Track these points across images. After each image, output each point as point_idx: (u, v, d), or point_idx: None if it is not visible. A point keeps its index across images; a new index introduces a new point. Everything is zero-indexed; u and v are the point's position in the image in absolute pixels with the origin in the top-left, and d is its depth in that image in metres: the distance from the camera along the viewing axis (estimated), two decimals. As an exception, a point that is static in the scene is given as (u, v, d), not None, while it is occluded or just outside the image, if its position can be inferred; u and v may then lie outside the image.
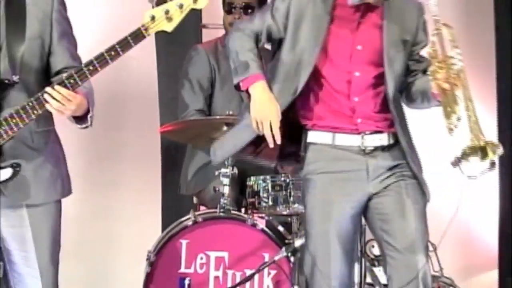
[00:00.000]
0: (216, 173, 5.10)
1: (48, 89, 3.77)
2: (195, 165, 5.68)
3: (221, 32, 5.87)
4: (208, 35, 6.24)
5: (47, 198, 4.05)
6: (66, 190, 4.13)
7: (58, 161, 4.11)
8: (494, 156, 3.71)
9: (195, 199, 5.54)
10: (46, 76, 4.01)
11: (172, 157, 6.22)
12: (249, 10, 5.65)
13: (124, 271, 6.00)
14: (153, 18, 3.79)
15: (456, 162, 3.73)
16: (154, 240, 5.07)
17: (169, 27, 3.81)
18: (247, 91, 4.04)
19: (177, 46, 6.15)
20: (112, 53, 3.78)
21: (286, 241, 5.00)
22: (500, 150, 3.76)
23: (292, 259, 4.89)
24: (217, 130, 5.06)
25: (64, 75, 3.85)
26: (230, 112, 5.19)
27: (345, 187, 4.06)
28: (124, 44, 3.78)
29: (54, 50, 4.04)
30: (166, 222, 5.78)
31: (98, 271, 6.38)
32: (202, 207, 5.38)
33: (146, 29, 3.78)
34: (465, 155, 3.80)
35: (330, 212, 4.03)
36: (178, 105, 5.70)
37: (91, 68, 3.79)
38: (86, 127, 4.02)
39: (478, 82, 6.27)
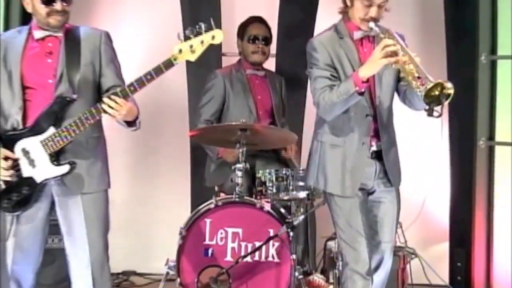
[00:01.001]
0: (233, 168, 5.20)
1: (105, 99, 3.94)
2: (218, 162, 5.75)
3: (236, 58, 6.07)
4: (226, 61, 6.38)
5: (98, 188, 4.21)
6: (109, 182, 4.31)
7: (106, 159, 4.29)
8: (451, 89, 3.79)
9: (216, 188, 5.66)
10: (98, 93, 4.18)
11: (199, 156, 6.24)
12: (264, 42, 5.83)
13: (161, 243, 6.08)
14: (180, 50, 3.93)
15: (430, 112, 3.80)
16: (185, 219, 5.17)
17: (192, 57, 3.96)
18: (364, 82, 4.00)
19: (203, 69, 6.13)
20: (148, 77, 3.94)
21: (287, 220, 5.07)
22: (450, 84, 3.80)
23: (291, 234, 4.99)
24: (232, 134, 5.17)
25: (111, 91, 4.03)
26: (243, 121, 5.24)
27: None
28: (158, 70, 3.94)
29: (103, 72, 4.20)
30: (194, 205, 5.93)
31: (141, 243, 6.55)
32: (221, 194, 5.51)
33: (175, 59, 3.93)
34: (432, 103, 3.83)
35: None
36: (196, 113, 5.90)
37: (132, 88, 3.96)
38: (136, 129, 4.21)
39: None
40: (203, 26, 3.92)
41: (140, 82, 3.94)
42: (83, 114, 3.98)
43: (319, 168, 4.24)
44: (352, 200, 4.16)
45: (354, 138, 4.15)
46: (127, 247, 6.32)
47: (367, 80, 3.97)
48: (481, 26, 5.88)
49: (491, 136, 6.01)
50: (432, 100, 3.79)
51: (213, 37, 3.94)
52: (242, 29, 5.87)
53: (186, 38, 3.94)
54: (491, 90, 5.96)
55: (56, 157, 4.05)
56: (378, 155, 4.18)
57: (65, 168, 4.06)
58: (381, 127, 4.17)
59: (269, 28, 5.90)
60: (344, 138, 4.16)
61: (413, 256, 5.86)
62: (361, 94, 3.98)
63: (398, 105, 4.26)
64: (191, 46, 3.91)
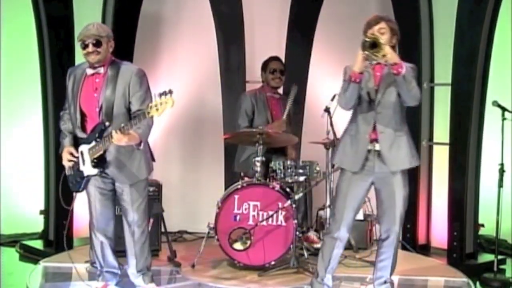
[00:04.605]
0: (253, 160, 5.28)
1: (112, 132, 3.99)
2: (243, 156, 5.80)
3: (258, 85, 6.06)
4: (248, 86, 6.47)
5: (139, 178, 4.28)
6: (149, 171, 4.35)
7: (140, 160, 4.26)
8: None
9: (242, 173, 5.66)
10: (129, 114, 4.20)
11: (229, 152, 6.33)
12: (280, 73, 5.82)
13: (204, 211, 5.84)
14: (151, 107, 3.81)
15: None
16: (221, 196, 5.24)
17: (157, 114, 3.85)
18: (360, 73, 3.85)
19: (232, 92, 6.36)
20: (134, 122, 3.93)
21: (290, 196, 5.13)
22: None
23: (293, 206, 5.04)
24: (253, 137, 5.24)
25: (134, 116, 4.00)
26: (260, 127, 5.31)
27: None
28: (139, 119, 3.91)
29: (131, 101, 4.18)
30: (226, 185, 6.11)
31: (191, 211, 6.54)
32: (245, 178, 5.51)
33: (148, 113, 3.85)
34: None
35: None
36: (236, 124, 5.89)
37: (126, 128, 3.91)
38: (139, 149, 4.15)
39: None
40: (164, 94, 3.79)
41: (130, 125, 3.99)
42: (106, 136, 4.12)
43: None
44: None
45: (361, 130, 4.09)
46: (181, 214, 6.39)
47: (361, 73, 3.87)
48: (423, 63, 5.91)
49: (430, 138, 6.11)
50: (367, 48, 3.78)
51: (166, 102, 3.81)
52: (266, 64, 5.97)
53: (155, 99, 3.84)
54: (430, 106, 6.05)
55: (95, 161, 4.20)
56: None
57: (95, 171, 4.23)
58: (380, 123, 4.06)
59: (283, 64, 6.02)
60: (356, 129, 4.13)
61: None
62: (356, 82, 3.90)
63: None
64: (156, 105, 3.84)
